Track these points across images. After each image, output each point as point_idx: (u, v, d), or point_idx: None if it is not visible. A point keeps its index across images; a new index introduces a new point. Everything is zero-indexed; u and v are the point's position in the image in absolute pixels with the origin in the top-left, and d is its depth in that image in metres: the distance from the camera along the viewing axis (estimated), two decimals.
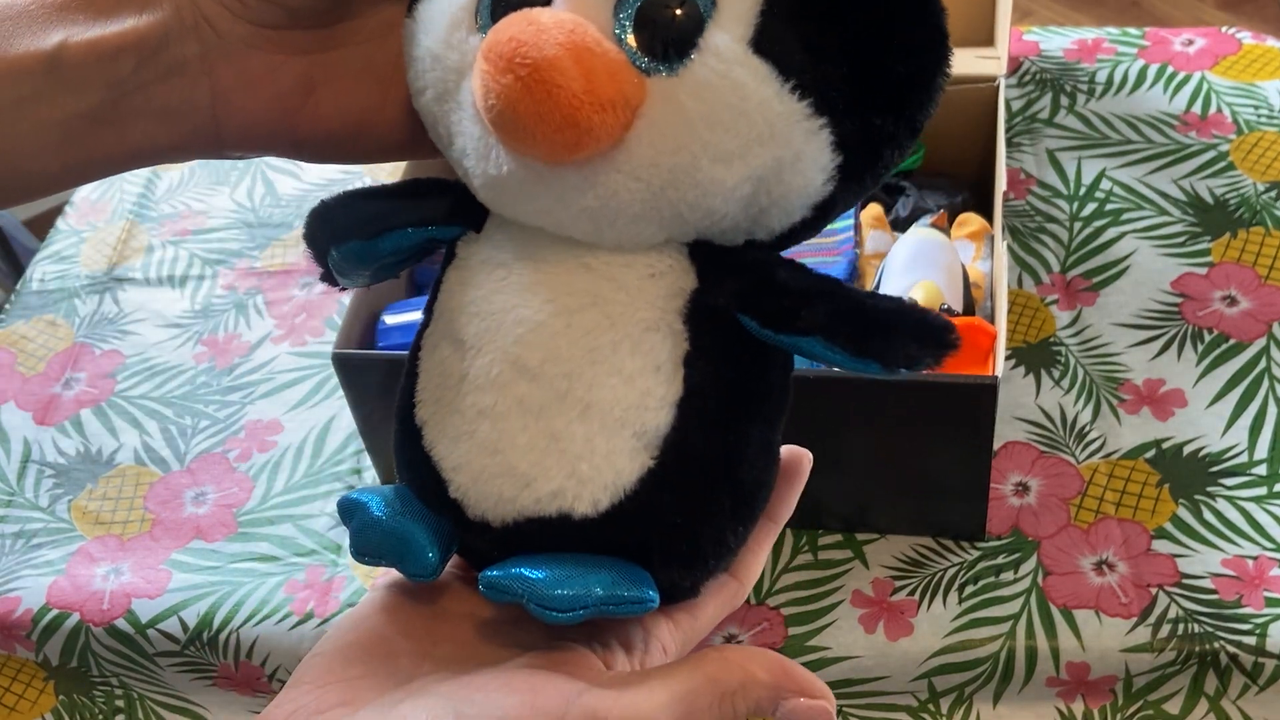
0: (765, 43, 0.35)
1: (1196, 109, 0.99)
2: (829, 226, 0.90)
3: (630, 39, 0.36)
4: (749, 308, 0.39)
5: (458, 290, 0.41)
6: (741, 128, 0.36)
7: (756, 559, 0.46)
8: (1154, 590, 0.71)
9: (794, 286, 0.38)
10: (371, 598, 0.42)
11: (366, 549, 0.40)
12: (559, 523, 0.38)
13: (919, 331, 0.37)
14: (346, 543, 0.78)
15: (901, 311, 0.38)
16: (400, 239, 0.42)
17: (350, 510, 0.41)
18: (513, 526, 0.38)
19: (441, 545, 0.40)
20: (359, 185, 0.45)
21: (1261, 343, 0.82)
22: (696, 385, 0.39)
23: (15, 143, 0.41)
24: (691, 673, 0.38)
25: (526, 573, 0.37)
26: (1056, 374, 0.82)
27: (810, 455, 0.46)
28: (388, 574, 0.43)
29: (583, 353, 0.38)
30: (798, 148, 0.36)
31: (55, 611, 0.77)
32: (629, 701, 0.37)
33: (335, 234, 0.43)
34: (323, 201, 0.43)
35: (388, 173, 1.03)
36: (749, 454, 0.40)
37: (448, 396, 0.40)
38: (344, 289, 0.46)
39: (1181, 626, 0.69)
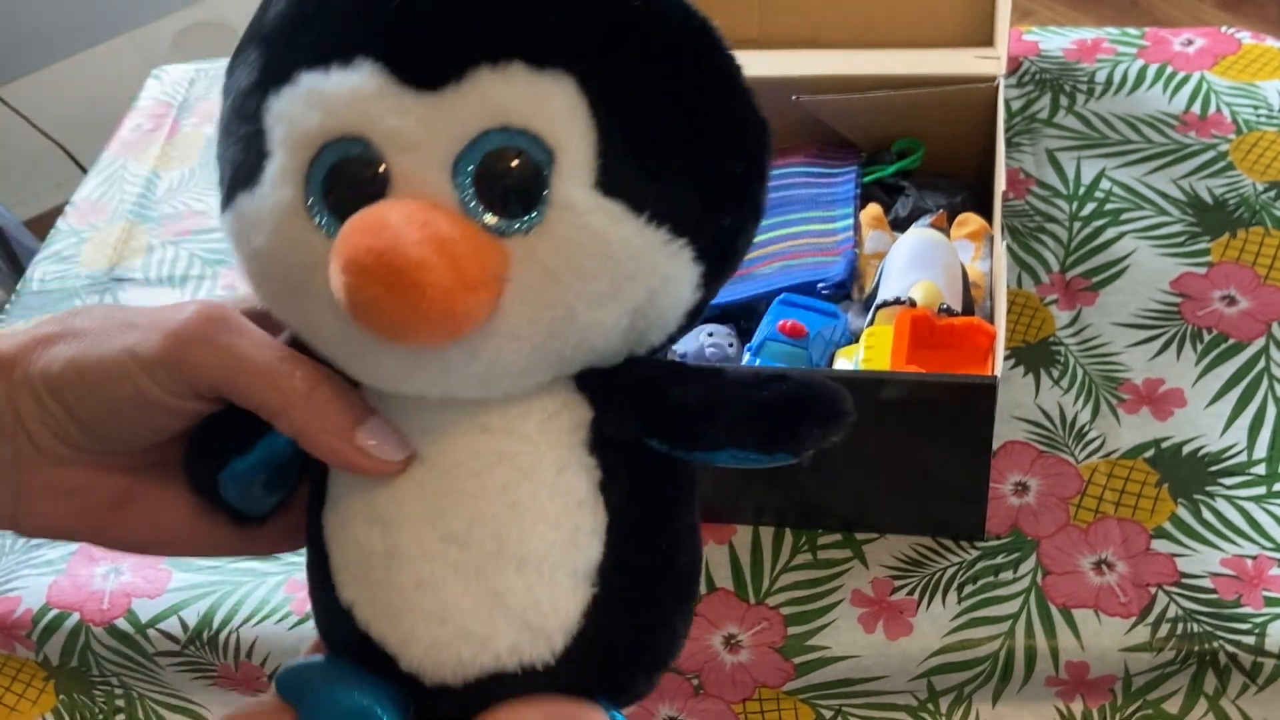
0: (611, 183, 0.35)
1: (1196, 109, 0.99)
2: (829, 227, 0.90)
3: (475, 204, 0.35)
4: (654, 434, 0.40)
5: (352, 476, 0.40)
6: (609, 270, 0.36)
7: None
8: (1153, 590, 0.71)
9: (690, 403, 0.39)
10: None
11: None
12: (522, 673, 0.39)
13: (819, 413, 0.38)
14: None
15: (796, 399, 0.38)
16: (278, 440, 0.41)
17: (296, 689, 0.41)
18: (475, 684, 0.39)
19: (401, 711, 0.40)
20: None
21: (1261, 342, 0.83)
22: (618, 506, 0.39)
23: None
24: None
25: None
26: (1056, 374, 0.82)
27: None
28: None
29: (504, 509, 0.38)
30: (665, 272, 0.37)
31: (55, 611, 0.77)
32: None
33: (216, 461, 0.42)
34: (189, 438, 0.42)
35: None
36: (680, 543, 0.41)
37: (375, 575, 0.39)
38: (245, 520, 0.44)
39: (1181, 626, 0.69)
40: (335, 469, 0.41)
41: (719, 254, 0.38)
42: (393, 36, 0.35)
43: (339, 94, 0.36)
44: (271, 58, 0.38)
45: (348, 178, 0.36)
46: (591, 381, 0.39)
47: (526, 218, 0.35)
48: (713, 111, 0.37)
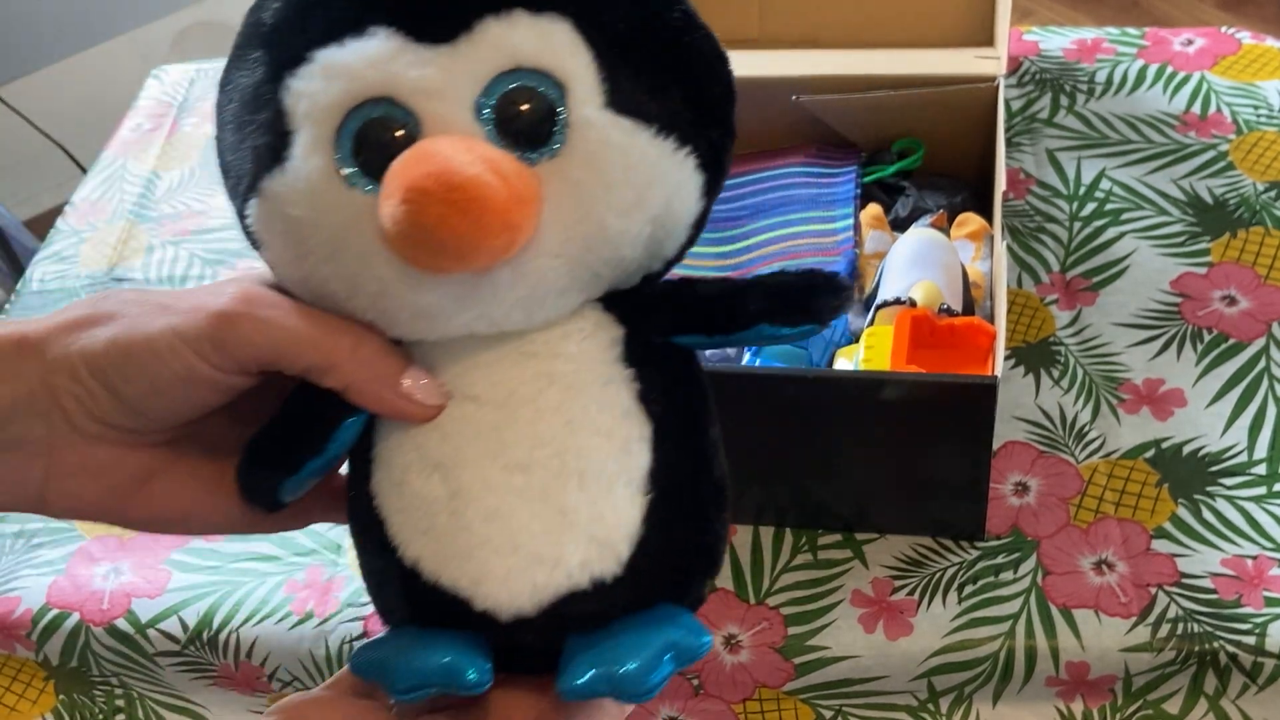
0: (620, 101, 0.39)
1: (1196, 109, 0.99)
2: (829, 227, 0.90)
3: (500, 140, 0.38)
4: (687, 328, 0.42)
5: (397, 429, 0.42)
6: (632, 179, 0.39)
7: None
8: (1153, 590, 0.71)
9: (715, 293, 0.42)
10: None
11: (414, 688, 0.40)
12: (593, 588, 0.40)
13: (829, 286, 0.42)
14: (346, 542, 0.78)
15: (806, 277, 0.42)
16: (348, 431, 0.43)
17: (375, 667, 0.42)
18: (550, 609, 0.40)
19: (481, 652, 0.41)
20: None
21: (1261, 342, 0.82)
22: (659, 414, 0.42)
23: None
24: None
25: (615, 671, 0.39)
26: (1056, 374, 0.82)
27: None
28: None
29: (561, 427, 0.40)
30: (677, 178, 0.41)
31: (55, 611, 0.77)
32: None
33: (285, 467, 0.43)
34: (246, 448, 0.43)
35: None
36: (714, 452, 0.44)
37: (441, 521, 0.41)
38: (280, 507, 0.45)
39: (1181, 626, 0.69)
40: (380, 438, 0.42)
41: (714, 165, 0.42)
42: (402, 2, 0.39)
43: (359, 60, 0.38)
44: (280, 48, 0.40)
45: (377, 136, 0.38)
46: (616, 301, 0.42)
47: (550, 145, 0.38)
48: (690, 44, 0.41)
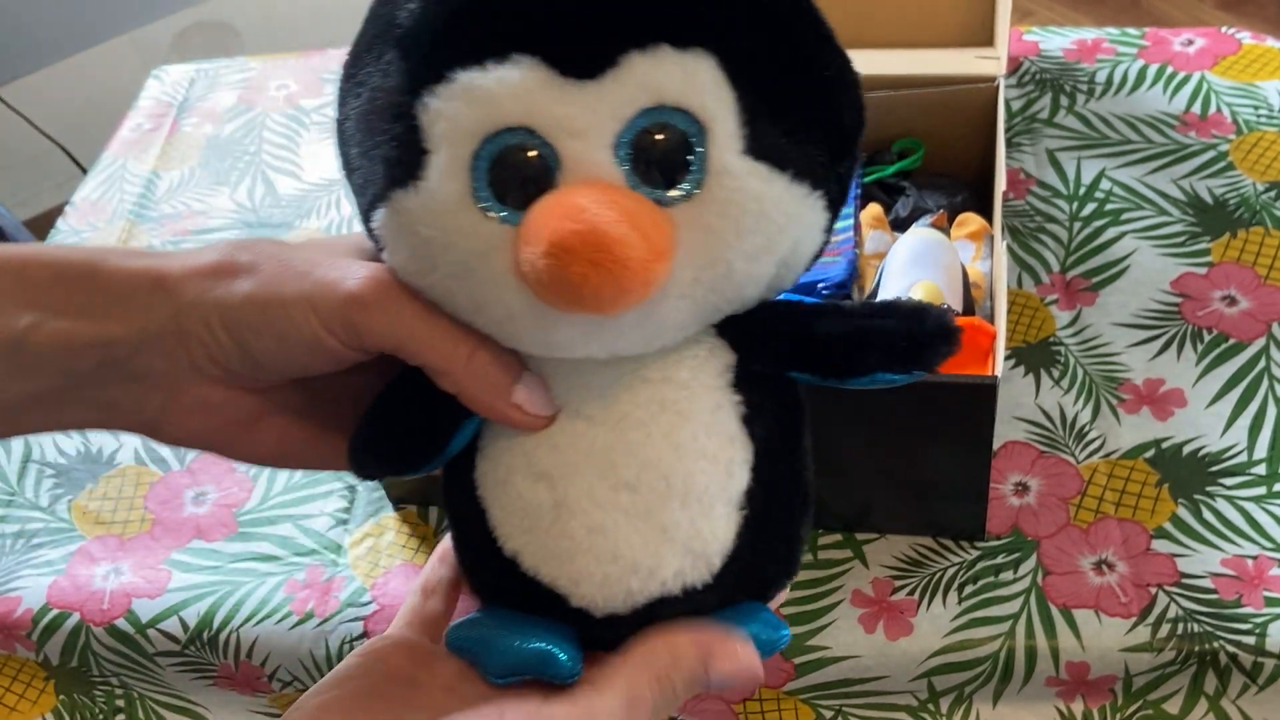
0: (758, 147, 0.39)
1: (1196, 109, 0.99)
2: None
3: (636, 180, 0.39)
4: (805, 368, 0.44)
5: (507, 432, 0.44)
6: (764, 226, 0.40)
7: None
8: (1153, 590, 0.71)
9: (837, 337, 0.43)
10: (348, 668, 0.44)
11: (509, 673, 0.43)
12: (684, 594, 0.43)
13: (944, 335, 0.42)
14: (346, 542, 0.78)
15: (922, 326, 0.42)
16: (464, 434, 0.45)
17: (470, 644, 0.45)
18: (641, 609, 0.43)
19: (573, 642, 0.43)
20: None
21: (1261, 342, 0.82)
22: (761, 437, 0.43)
23: None
24: (627, 665, 0.42)
25: None
26: (1056, 374, 0.82)
27: None
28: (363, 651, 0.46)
29: (670, 452, 0.42)
30: (807, 221, 0.41)
31: (55, 611, 0.77)
32: (584, 706, 0.41)
33: (403, 465, 0.46)
34: (363, 439, 0.45)
35: None
36: (806, 461, 0.46)
37: (543, 525, 0.43)
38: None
39: (1181, 626, 0.69)
40: (487, 434, 0.44)
41: (839, 199, 0.43)
42: (548, 33, 0.38)
43: (502, 89, 0.38)
44: (418, 59, 0.40)
45: (514, 166, 0.39)
46: (730, 327, 0.43)
47: (685, 187, 0.39)
48: (828, 72, 0.41)
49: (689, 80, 0.38)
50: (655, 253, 0.37)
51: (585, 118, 0.38)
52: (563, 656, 0.43)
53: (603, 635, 0.43)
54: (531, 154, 0.38)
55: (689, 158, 0.39)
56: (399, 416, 0.45)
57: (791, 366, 0.44)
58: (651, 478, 0.42)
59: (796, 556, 0.47)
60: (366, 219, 0.42)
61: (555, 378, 0.43)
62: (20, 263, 0.41)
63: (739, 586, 0.44)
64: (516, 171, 0.39)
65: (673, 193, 0.39)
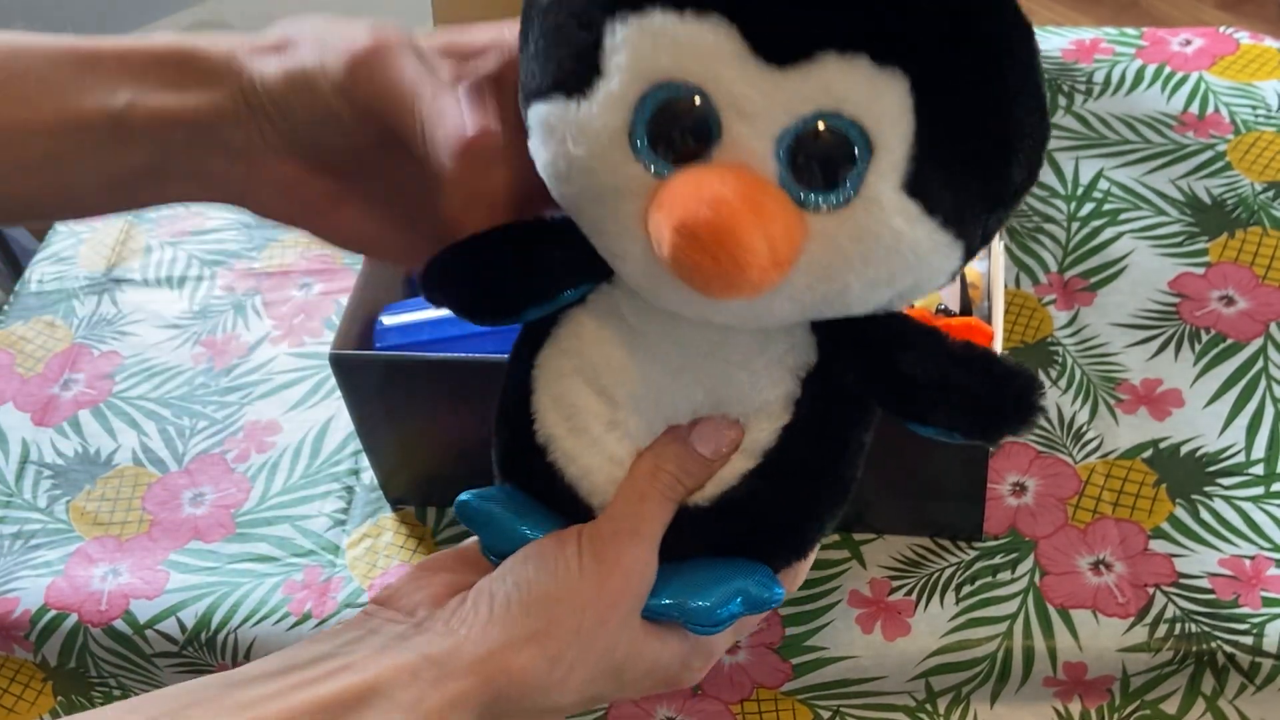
0: (917, 185, 0.38)
1: (1194, 109, 0.99)
2: None
3: (790, 178, 0.38)
4: (873, 394, 0.45)
5: (592, 336, 0.46)
6: (893, 262, 0.39)
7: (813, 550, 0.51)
8: (1151, 590, 0.71)
9: (917, 381, 0.43)
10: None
11: (501, 554, 0.46)
12: (682, 512, 0.46)
13: (1024, 415, 0.42)
14: (344, 543, 0.79)
15: (1007, 398, 0.42)
16: (540, 310, 0.47)
17: (476, 518, 0.48)
18: None
19: None
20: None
21: (1259, 342, 0.82)
22: (804, 415, 0.45)
23: (74, 182, 0.46)
24: (626, 482, 0.46)
25: (687, 603, 0.46)
26: (1054, 374, 0.82)
27: None
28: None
29: (712, 409, 0.46)
30: (938, 264, 0.41)
31: (53, 612, 0.77)
32: (618, 513, 0.46)
33: (469, 301, 0.47)
34: (443, 262, 0.47)
35: None
36: (849, 455, 0.47)
37: (591, 433, 0.46)
38: None
39: (1179, 626, 0.69)
40: (567, 323, 0.47)
41: (979, 247, 0.42)
42: (756, 5, 0.37)
43: (692, 44, 0.38)
44: None
45: (677, 120, 0.39)
46: (825, 327, 0.44)
47: (833, 198, 0.38)
48: (1018, 124, 0.40)
49: (875, 97, 0.37)
50: (776, 262, 0.38)
51: (760, 102, 0.38)
52: None
53: None
54: (698, 121, 0.38)
55: (847, 170, 0.38)
56: (489, 256, 0.46)
57: (864, 389, 0.45)
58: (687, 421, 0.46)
59: (807, 538, 0.48)
60: (527, 99, 0.42)
61: (647, 311, 0.45)
62: (124, 49, 0.46)
63: (731, 529, 0.46)
64: (676, 126, 0.39)
65: (817, 198, 0.38)
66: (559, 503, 0.47)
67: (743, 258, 0.37)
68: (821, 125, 0.37)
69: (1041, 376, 0.44)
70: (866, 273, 0.39)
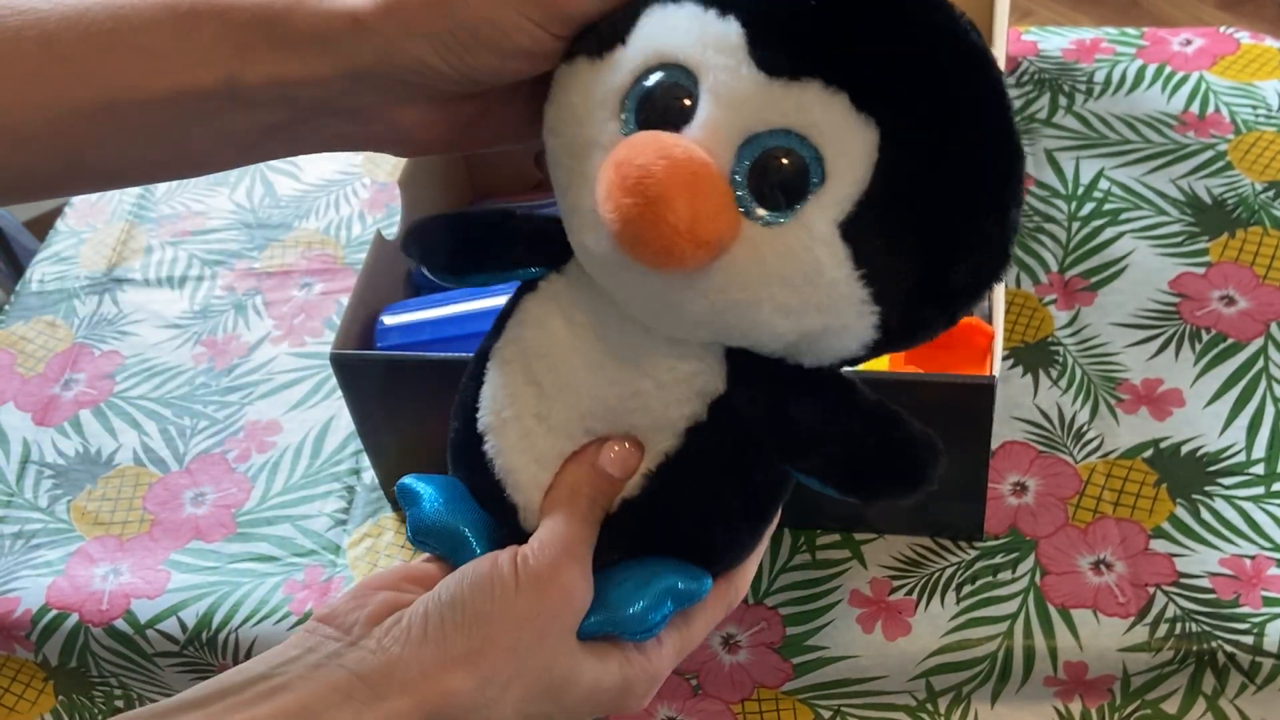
0: (852, 229, 0.40)
1: (1195, 109, 0.99)
2: None
3: (741, 178, 0.40)
4: (761, 433, 0.45)
5: (534, 326, 0.48)
6: (807, 293, 0.40)
7: (751, 560, 0.49)
8: (1152, 590, 0.71)
9: (801, 427, 0.44)
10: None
11: (422, 539, 0.48)
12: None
13: (904, 483, 0.44)
14: (345, 543, 0.79)
15: (891, 464, 0.44)
16: (488, 279, 0.49)
17: (408, 498, 0.49)
18: None
19: (489, 542, 0.48)
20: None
21: (1259, 342, 0.83)
22: (698, 442, 0.46)
23: (199, 146, 0.46)
24: (549, 504, 0.47)
25: (618, 614, 0.46)
26: (1054, 374, 0.82)
27: None
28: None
29: (623, 418, 0.47)
30: (847, 321, 0.41)
31: (54, 612, 0.77)
32: (547, 536, 0.46)
33: (427, 260, 0.50)
34: (423, 227, 0.51)
35: (386, 171, 1.04)
36: (761, 463, 0.47)
37: (524, 419, 0.48)
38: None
39: (1179, 626, 0.69)
40: (523, 311, 0.49)
41: (900, 336, 0.42)
42: (767, 19, 0.40)
43: (702, 33, 0.41)
44: None
45: (666, 99, 0.41)
46: (737, 360, 0.45)
47: (772, 214, 0.40)
48: (975, 233, 0.41)
49: (843, 133, 0.39)
50: (694, 234, 0.39)
51: (739, 99, 0.40)
52: (478, 550, 0.47)
53: (520, 529, 0.48)
54: (686, 101, 0.41)
55: (795, 195, 0.40)
56: (462, 221, 0.50)
57: (753, 427, 0.45)
58: (602, 429, 0.47)
59: (722, 543, 0.49)
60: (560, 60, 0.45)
61: (586, 305, 0.47)
62: (223, 7, 0.44)
63: (644, 529, 0.48)
64: (665, 105, 0.41)
65: (760, 210, 0.40)
66: (488, 496, 0.49)
67: (662, 211, 0.38)
68: (785, 147, 0.39)
69: (939, 446, 0.45)
70: (780, 295, 0.41)
